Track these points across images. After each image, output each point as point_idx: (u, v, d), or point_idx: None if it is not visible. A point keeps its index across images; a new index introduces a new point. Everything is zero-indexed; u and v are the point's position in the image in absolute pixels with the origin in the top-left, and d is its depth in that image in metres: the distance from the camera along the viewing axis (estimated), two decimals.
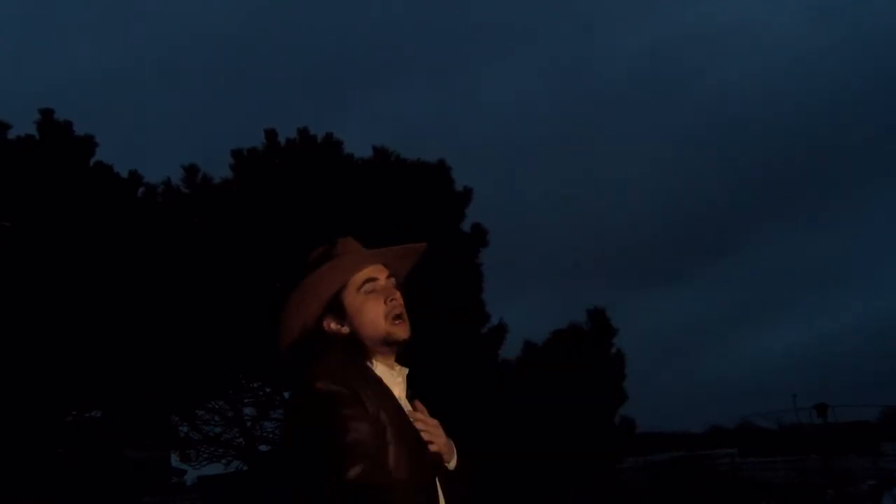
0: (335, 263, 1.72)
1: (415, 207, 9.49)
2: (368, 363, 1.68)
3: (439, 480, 1.62)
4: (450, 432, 1.71)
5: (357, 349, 1.68)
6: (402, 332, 1.71)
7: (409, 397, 1.72)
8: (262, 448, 10.60)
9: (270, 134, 9.69)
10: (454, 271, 9.70)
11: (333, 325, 1.71)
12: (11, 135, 9.00)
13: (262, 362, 9.33)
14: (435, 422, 1.70)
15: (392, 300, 1.72)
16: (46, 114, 9.09)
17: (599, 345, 11.07)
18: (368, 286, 1.72)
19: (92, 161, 9.32)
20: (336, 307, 1.71)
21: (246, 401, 10.38)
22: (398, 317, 1.71)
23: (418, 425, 1.64)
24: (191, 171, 9.50)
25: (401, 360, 1.74)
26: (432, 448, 1.64)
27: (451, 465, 1.70)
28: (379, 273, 1.74)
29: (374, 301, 1.71)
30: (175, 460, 12.71)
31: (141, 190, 9.52)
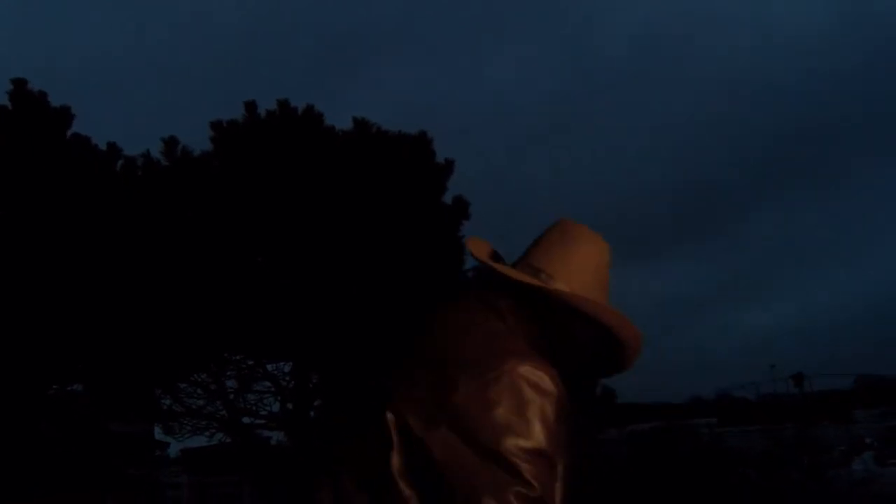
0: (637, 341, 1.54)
1: (395, 179, 9.48)
2: None
3: None
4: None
5: (570, 343, 1.51)
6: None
7: None
8: (245, 420, 10.65)
9: (250, 106, 9.62)
10: (435, 243, 9.73)
11: (578, 320, 1.48)
12: None
13: (244, 335, 9.35)
14: None
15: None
16: (19, 84, 8.94)
17: None
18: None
19: (69, 133, 9.21)
20: (606, 336, 1.51)
21: (228, 373, 10.41)
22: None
23: None
24: (170, 143, 9.42)
25: None
26: None
27: None
28: None
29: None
30: (159, 433, 12.78)
31: (120, 163, 9.43)
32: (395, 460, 1.31)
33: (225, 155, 9.45)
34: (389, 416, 1.32)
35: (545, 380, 1.32)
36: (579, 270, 1.50)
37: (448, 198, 10.31)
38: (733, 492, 13.10)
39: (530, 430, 1.28)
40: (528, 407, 1.29)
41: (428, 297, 9.17)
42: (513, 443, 1.27)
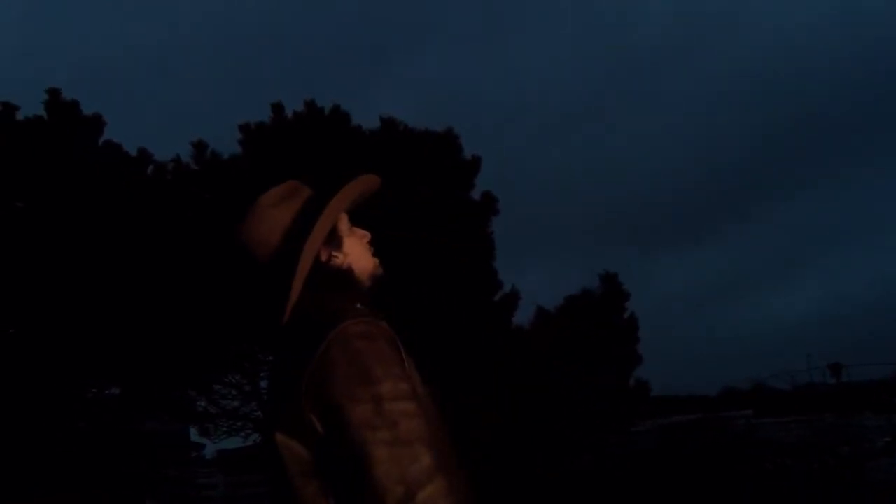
0: (352, 187, 1.62)
1: (423, 177, 9.48)
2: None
3: None
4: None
5: (354, 286, 1.56)
6: (381, 267, 1.63)
7: None
8: None
9: (277, 107, 9.70)
10: (464, 240, 9.72)
11: (331, 255, 1.55)
12: (20, 116, 9.04)
13: (270, 336, 9.40)
14: None
15: (367, 235, 1.64)
16: (53, 94, 9.10)
17: (612, 309, 11.09)
18: (348, 220, 1.63)
19: (101, 140, 9.36)
20: (332, 236, 1.56)
21: (262, 374, 10.48)
22: (374, 253, 1.64)
23: None
24: (199, 147, 9.52)
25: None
26: None
27: None
28: None
29: (359, 234, 1.63)
30: (194, 434, 12.91)
31: (150, 167, 9.56)
32: (294, 469, 1.38)
33: (254, 157, 9.52)
34: (278, 437, 1.40)
35: (367, 327, 1.39)
36: (271, 240, 1.53)
37: (476, 193, 10.31)
38: (770, 482, 12.94)
39: (373, 375, 1.33)
40: (362, 355, 1.35)
41: (459, 293, 9.15)
42: (364, 392, 1.32)
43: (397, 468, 1.28)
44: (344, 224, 1.61)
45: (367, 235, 1.63)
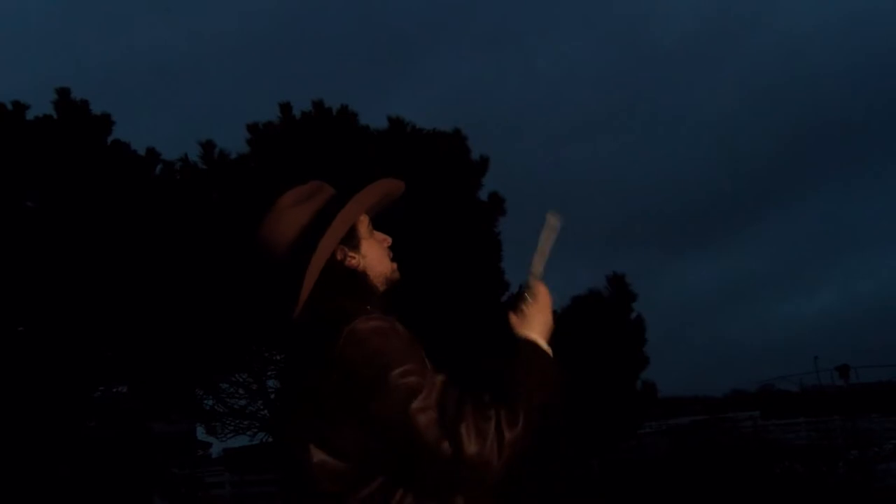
0: (373, 189, 1.63)
1: (430, 178, 9.48)
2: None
3: None
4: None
5: (367, 288, 1.58)
6: (398, 272, 1.65)
7: None
8: None
9: (285, 107, 9.70)
10: (471, 240, 9.72)
11: (346, 255, 1.57)
12: (30, 115, 9.08)
13: (284, 334, 9.42)
14: None
15: (387, 239, 1.66)
16: (63, 93, 9.14)
17: (619, 311, 11.08)
18: (369, 224, 1.65)
19: (109, 139, 9.39)
20: (350, 237, 1.59)
21: (269, 373, 10.50)
22: (392, 258, 1.66)
23: None
24: (207, 146, 9.54)
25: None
26: None
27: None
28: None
29: (378, 237, 1.65)
30: (201, 433, 12.97)
31: (159, 167, 9.59)
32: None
33: (261, 156, 9.54)
34: (315, 452, 1.41)
35: (378, 322, 1.40)
36: (288, 238, 1.56)
37: (484, 194, 10.30)
38: (778, 485, 12.90)
39: (392, 360, 1.35)
40: (377, 348, 1.37)
41: (466, 294, 9.15)
42: (385, 381, 1.33)
43: (440, 428, 1.31)
44: (364, 226, 1.62)
45: (387, 240, 1.65)
